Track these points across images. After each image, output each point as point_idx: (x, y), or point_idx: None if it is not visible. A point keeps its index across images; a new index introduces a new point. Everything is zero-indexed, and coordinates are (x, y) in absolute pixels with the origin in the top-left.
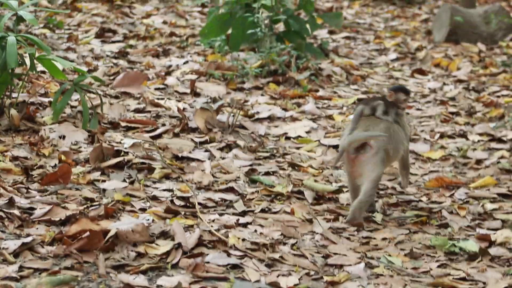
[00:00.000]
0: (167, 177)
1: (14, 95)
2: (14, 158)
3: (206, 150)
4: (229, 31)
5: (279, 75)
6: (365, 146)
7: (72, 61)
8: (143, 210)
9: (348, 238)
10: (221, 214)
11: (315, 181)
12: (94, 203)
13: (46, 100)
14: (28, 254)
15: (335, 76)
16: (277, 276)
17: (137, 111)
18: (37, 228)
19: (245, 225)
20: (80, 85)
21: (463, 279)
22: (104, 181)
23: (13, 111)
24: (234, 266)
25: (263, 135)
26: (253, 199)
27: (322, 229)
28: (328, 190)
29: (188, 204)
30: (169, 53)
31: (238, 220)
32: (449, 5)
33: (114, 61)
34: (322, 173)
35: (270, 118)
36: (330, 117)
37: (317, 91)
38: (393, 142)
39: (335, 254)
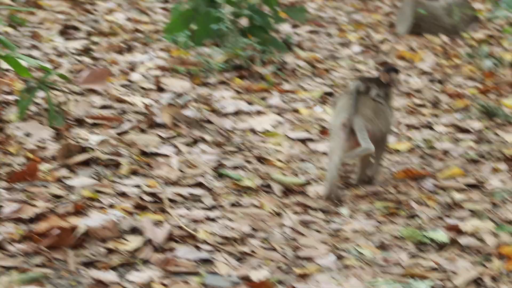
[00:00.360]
0: (134, 173)
1: None
2: None
3: (173, 145)
4: (193, 27)
5: (244, 69)
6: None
7: (36, 58)
8: (111, 206)
9: (317, 231)
10: (190, 209)
11: (283, 174)
12: (63, 200)
13: (11, 98)
14: None
15: (299, 69)
16: (248, 270)
17: (102, 107)
18: (6, 227)
19: (214, 220)
20: (45, 82)
21: (434, 269)
22: (71, 178)
23: None
24: (205, 261)
25: (229, 130)
26: (221, 193)
27: (291, 222)
28: (296, 183)
29: (156, 200)
30: (133, 50)
31: (207, 215)
32: None
33: (78, 58)
34: (290, 166)
35: (236, 113)
36: (295, 110)
37: (282, 85)
38: (381, 123)
39: (305, 246)
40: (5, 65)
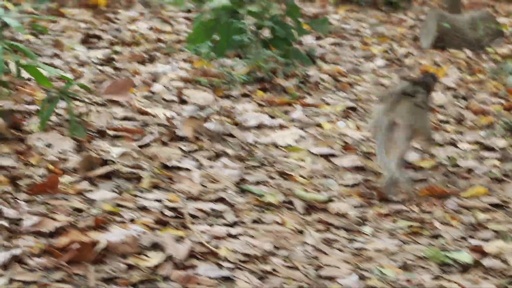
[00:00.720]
0: (156, 186)
1: None
2: (1, 168)
3: (195, 159)
4: (216, 37)
5: (266, 82)
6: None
7: (57, 67)
8: (132, 220)
9: (340, 250)
10: (211, 225)
11: (305, 190)
12: (83, 214)
13: (32, 108)
14: (17, 266)
15: (322, 83)
16: None
17: (124, 119)
18: (26, 240)
19: (236, 236)
20: (66, 92)
21: None
22: (92, 191)
23: None
24: (226, 279)
25: (251, 144)
26: (243, 209)
27: (313, 240)
28: (318, 200)
29: (178, 215)
30: (155, 60)
31: (229, 231)
32: (435, 12)
33: (100, 67)
34: (312, 182)
35: (258, 126)
36: (318, 125)
37: (304, 98)
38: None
39: (327, 265)
40: (26, 75)
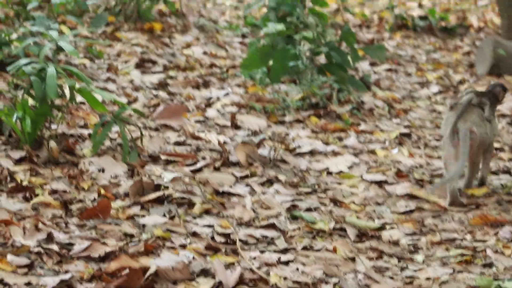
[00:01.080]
0: (207, 212)
1: (53, 127)
2: (53, 192)
3: (247, 185)
4: (270, 63)
5: (320, 108)
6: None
7: (111, 92)
8: (183, 246)
9: (391, 278)
10: (262, 251)
11: (358, 217)
12: (134, 239)
13: (85, 132)
14: None
15: (377, 109)
16: None
17: (177, 144)
18: (76, 265)
19: (286, 263)
20: (120, 117)
21: None
22: (143, 216)
23: (52, 143)
24: None
25: (304, 170)
26: (294, 236)
27: (365, 268)
28: (371, 227)
29: (229, 241)
30: (209, 85)
31: (279, 258)
32: (491, 38)
33: (154, 92)
34: (365, 210)
35: (312, 153)
36: (372, 152)
37: (359, 124)
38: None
39: None
40: (80, 98)
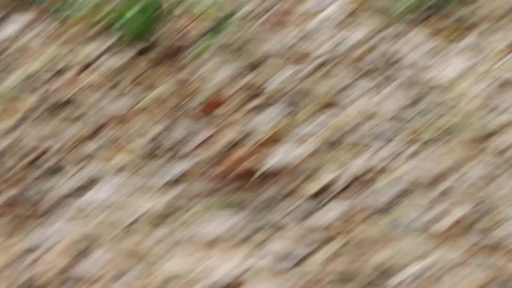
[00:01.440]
0: (321, 109)
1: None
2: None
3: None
4: None
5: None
6: None
7: None
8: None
9: None
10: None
11: None
12: (248, 137)
13: (196, 33)
14: None
15: None
16: None
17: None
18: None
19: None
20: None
21: None
22: (258, 113)
23: (164, 41)
24: None
25: None
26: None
27: None
28: None
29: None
30: None
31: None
32: None
33: None
34: None
35: None
36: None
37: None
38: None
39: None
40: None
